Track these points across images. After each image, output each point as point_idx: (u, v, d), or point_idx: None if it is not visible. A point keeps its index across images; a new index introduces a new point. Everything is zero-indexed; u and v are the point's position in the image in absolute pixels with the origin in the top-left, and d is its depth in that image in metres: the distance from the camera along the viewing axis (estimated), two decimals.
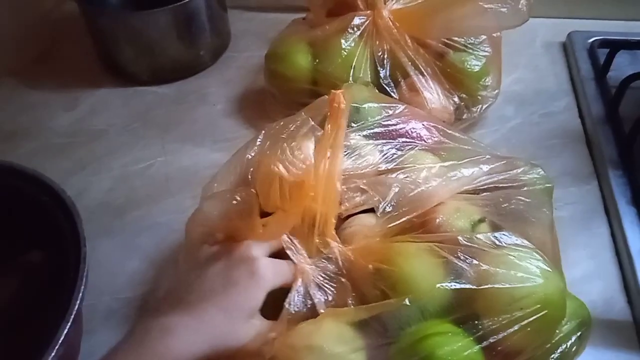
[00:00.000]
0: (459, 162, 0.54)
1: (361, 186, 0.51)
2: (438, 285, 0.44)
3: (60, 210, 0.55)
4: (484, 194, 0.52)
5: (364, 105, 0.59)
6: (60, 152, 0.78)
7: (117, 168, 0.75)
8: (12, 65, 0.89)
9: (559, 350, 0.45)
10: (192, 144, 0.77)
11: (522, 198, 0.52)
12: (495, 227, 0.49)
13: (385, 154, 0.52)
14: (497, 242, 0.46)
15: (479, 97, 0.73)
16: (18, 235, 0.58)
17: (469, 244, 0.45)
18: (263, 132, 0.60)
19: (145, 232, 0.67)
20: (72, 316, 0.45)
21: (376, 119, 0.56)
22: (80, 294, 0.47)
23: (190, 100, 0.84)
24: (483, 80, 0.73)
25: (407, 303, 0.43)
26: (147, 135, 0.79)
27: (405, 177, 0.51)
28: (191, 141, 0.78)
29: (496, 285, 0.43)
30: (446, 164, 0.52)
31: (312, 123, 0.58)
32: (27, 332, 0.55)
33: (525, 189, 0.53)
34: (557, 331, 0.46)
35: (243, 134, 0.77)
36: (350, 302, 0.45)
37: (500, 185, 0.53)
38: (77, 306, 0.46)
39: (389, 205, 0.49)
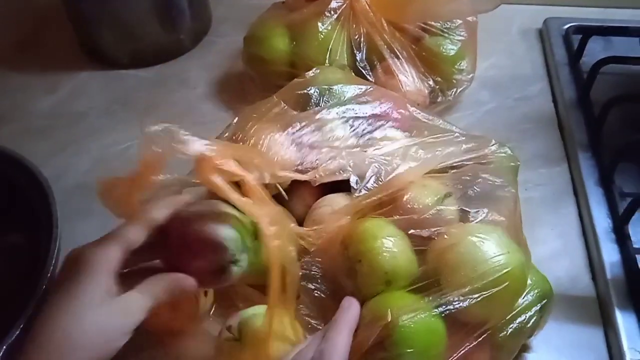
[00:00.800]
0: (430, 141, 0.55)
1: (340, 158, 0.51)
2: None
3: (36, 192, 0.56)
4: (452, 172, 0.54)
5: (335, 86, 0.60)
6: (40, 134, 0.78)
7: (96, 149, 0.76)
8: None
9: (517, 321, 0.46)
10: None
11: (489, 177, 0.53)
12: (462, 204, 0.50)
13: (355, 129, 0.53)
14: (462, 216, 0.47)
15: (454, 81, 0.74)
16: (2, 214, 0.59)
17: (435, 218, 0.46)
18: (236, 118, 0.61)
19: None
20: (39, 295, 0.46)
21: (347, 97, 0.57)
22: (49, 274, 0.47)
23: (170, 83, 0.84)
24: (458, 64, 0.74)
25: None
26: (127, 118, 0.80)
27: (382, 156, 0.52)
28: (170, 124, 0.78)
29: (458, 255, 0.44)
30: (416, 141, 0.53)
31: (284, 105, 0.60)
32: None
33: (492, 166, 0.54)
34: (517, 303, 0.47)
35: (222, 117, 0.78)
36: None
37: (468, 164, 0.54)
38: (45, 286, 0.46)
39: (365, 186, 0.50)
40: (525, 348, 0.53)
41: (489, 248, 0.45)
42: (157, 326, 0.52)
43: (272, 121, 0.58)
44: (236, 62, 0.85)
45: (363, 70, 0.72)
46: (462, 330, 0.45)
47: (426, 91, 0.72)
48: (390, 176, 0.48)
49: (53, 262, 0.47)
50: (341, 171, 0.50)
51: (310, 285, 0.48)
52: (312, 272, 0.49)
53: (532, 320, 0.49)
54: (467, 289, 0.44)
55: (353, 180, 0.49)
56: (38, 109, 0.82)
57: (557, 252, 0.62)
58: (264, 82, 0.77)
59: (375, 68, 0.73)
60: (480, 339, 0.46)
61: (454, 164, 0.53)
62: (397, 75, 0.71)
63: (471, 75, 0.75)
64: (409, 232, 0.46)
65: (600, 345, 0.55)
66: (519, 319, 0.48)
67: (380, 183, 0.48)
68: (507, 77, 0.82)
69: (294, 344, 0.45)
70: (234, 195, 0.42)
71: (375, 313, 0.44)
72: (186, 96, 0.82)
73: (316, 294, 0.48)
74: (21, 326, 0.43)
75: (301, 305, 0.49)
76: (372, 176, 0.48)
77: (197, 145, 0.42)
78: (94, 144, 0.76)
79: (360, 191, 0.48)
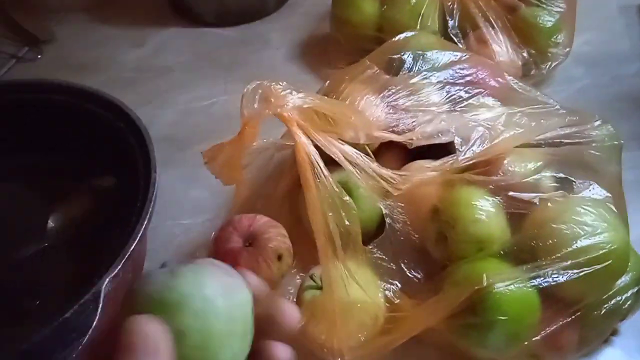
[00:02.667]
0: (530, 112, 0.53)
1: (440, 120, 0.50)
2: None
3: (133, 137, 0.57)
4: (553, 148, 0.52)
5: (428, 52, 0.58)
6: (128, 85, 0.81)
7: (181, 104, 0.77)
8: (85, 1, 0.92)
9: (612, 302, 0.45)
10: None
11: (592, 152, 0.51)
12: (566, 173, 0.49)
13: (451, 95, 0.52)
14: (566, 186, 0.45)
15: (549, 54, 0.71)
16: (93, 159, 0.61)
17: (536, 184, 0.45)
18: (328, 80, 0.60)
19: None
20: (140, 234, 0.47)
21: (441, 64, 0.56)
22: (148, 215, 0.49)
23: (254, 43, 0.85)
24: (554, 37, 0.71)
25: None
26: (211, 74, 0.81)
27: (485, 121, 0.50)
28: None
29: (562, 226, 0.42)
30: (516, 110, 0.51)
31: (376, 69, 0.59)
32: (96, 250, 0.58)
33: (594, 144, 0.52)
34: (616, 283, 0.46)
35: (304, 79, 0.78)
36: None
37: (568, 140, 0.52)
38: (144, 225, 0.48)
39: (471, 149, 0.48)
40: (614, 331, 0.51)
41: (595, 222, 0.43)
42: None
43: (365, 83, 0.57)
44: (321, 24, 0.84)
45: (454, 38, 0.70)
46: (557, 304, 0.44)
47: (519, 63, 0.70)
48: (497, 140, 0.46)
49: (152, 204, 0.49)
50: (440, 134, 0.49)
51: (394, 225, 0.48)
52: (395, 215, 0.48)
53: (628, 303, 0.47)
54: (567, 263, 0.43)
55: (457, 141, 0.48)
56: (125, 61, 0.84)
57: None
58: (350, 45, 0.76)
59: (468, 36, 0.70)
60: (573, 317, 0.45)
61: (553, 142, 0.52)
62: (491, 45, 0.69)
63: (567, 49, 0.72)
64: (509, 193, 0.45)
65: None
66: (615, 300, 0.46)
67: (486, 146, 0.46)
68: (604, 54, 0.78)
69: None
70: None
71: (468, 276, 0.43)
72: (269, 57, 0.83)
73: (398, 234, 0.48)
74: (122, 263, 0.45)
75: (372, 247, 0.48)
76: (477, 139, 0.47)
77: (295, 100, 0.42)
78: (179, 97, 0.78)
79: (465, 153, 0.47)
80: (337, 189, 0.42)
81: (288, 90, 0.40)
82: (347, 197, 0.43)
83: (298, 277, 0.55)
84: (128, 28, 0.89)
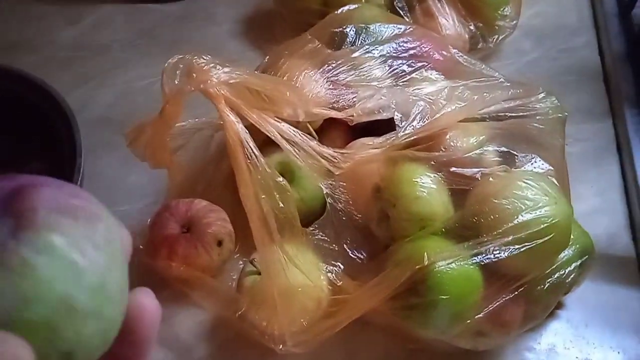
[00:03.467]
0: (474, 85, 0.52)
1: (380, 95, 0.48)
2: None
3: (60, 120, 0.54)
4: (496, 121, 0.51)
5: (372, 25, 0.56)
6: (64, 65, 0.76)
7: (119, 84, 0.73)
8: None
9: (556, 276, 0.44)
10: None
11: (535, 125, 0.50)
12: (509, 147, 0.48)
13: (394, 69, 0.50)
14: (508, 160, 0.44)
15: (496, 27, 0.70)
16: (21, 145, 0.57)
17: (478, 158, 0.43)
18: (267, 56, 0.58)
19: None
20: None
21: (385, 37, 0.54)
22: None
23: (197, 19, 0.81)
24: (502, 9, 0.70)
25: None
26: (151, 52, 0.77)
27: (426, 96, 0.48)
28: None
29: (503, 201, 0.41)
30: (459, 83, 0.50)
31: (318, 43, 0.56)
32: None
33: (538, 117, 0.51)
34: (559, 256, 0.45)
35: (249, 56, 0.75)
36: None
37: (512, 113, 0.51)
38: None
39: (411, 125, 0.47)
40: (559, 305, 0.52)
41: (536, 196, 0.42)
42: (173, 279, 0.51)
43: (306, 58, 0.55)
44: None
45: (401, 11, 0.68)
46: (500, 281, 0.43)
47: (466, 36, 0.68)
48: (437, 115, 0.45)
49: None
50: (381, 110, 0.47)
51: (336, 205, 0.47)
52: (336, 195, 0.47)
53: (571, 276, 0.47)
54: (509, 239, 0.42)
55: (397, 117, 0.46)
56: (61, 40, 0.79)
57: (596, 209, 0.59)
58: (294, 20, 0.73)
59: (414, 9, 0.69)
60: (516, 292, 0.44)
61: (497, 115, 0.51)
62: (437, 18, 0.67)
63: (514, 22, 0.71)
64: (451, 169, 0.44)
65: (636, 307, 0.53)
66: (558, 274, 0.46)
67: (427, 122, 0.45)
68: (552, 26, 0.77)
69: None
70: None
71: (410, 256, 0.42)
72: (212, 33, 0.79)
73: (340, 214, 0.46)
74: None
75: (314, 229, 0.47)
76: (417, 114, 0.45)
77: (221, 74, 0.39)
78: (118, 77, 0.74)
79: (405, 129, 0.45)
80: (269, 170, 0.40)
81: (212, 64, 0.37)
82: (281, 179, 0.41)
83: (241, 262, 0.53)
84: (63, 5, 0.84)
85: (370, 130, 0.52)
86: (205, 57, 0.38)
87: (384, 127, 0.51)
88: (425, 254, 0.41)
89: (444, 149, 0.46)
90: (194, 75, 0.37)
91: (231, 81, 0.38)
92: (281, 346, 0.45)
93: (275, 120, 0.44)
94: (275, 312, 0.44)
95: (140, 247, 0.54)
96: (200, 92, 0.38)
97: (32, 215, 0.19)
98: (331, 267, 0.47)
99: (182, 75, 0.37)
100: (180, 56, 0.39)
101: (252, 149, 0.39)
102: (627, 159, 0.62)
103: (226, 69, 0.38)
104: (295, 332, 0.45)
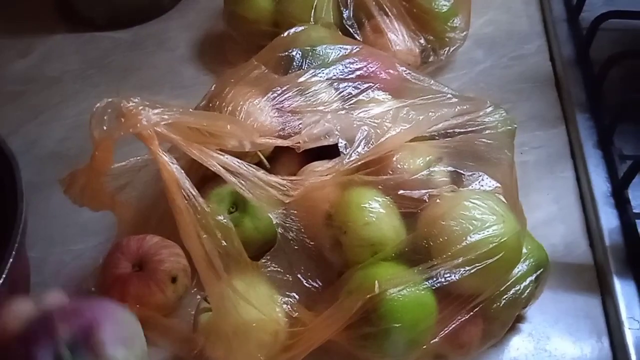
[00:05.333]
0: (421, 103, 0.52)
1: (325, 121, 0.48)
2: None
3: (1, 162, 0.52)
4: (445, 139, 0.51)
5: (318, 47, 0.56)
6: (13, 100, 0.75)
7: (71, 117, 0.72)
8: None
9: (511, 292, 0.44)
10: (150, 92, 0.74)
11: (484, 140, 0.50)
12: (456, 166, 0.48)
13: (340, 92, 0.50)
14: (456, 180, 0.44)
15: (447, 39, 0.70)
16: None
17: (426, 180, 0.43)
18: (214, 85, 0.57)
19: None
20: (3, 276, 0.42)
21: (332, 59, 0.54)
22: (13, 252, 0.44)
23: (148, 45, 0.80)
24: (451, 21, 0.70)
25: None
26: (103, 82, 0.76)
27: (371, 119, 0.48)
28: (149, 89, 0.74)
29: (451, 223, 0.41)
30: (405, 103, 0.50)
31: (264, 68, 0.56)
32: None
33: (487, 132, 0.51)
34: (512, 273, 0.45)
35: (202, 80, 0.74)
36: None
37: (462, 129, 0.51)
38: (8, 264, 0.42)
39: (355, 151, 0.46)
40: (519, 318, 0.51)
41: (484, 216, 0.42)
42: None
43: (252, 85, 0.54)
44: (218, 21, 0.80)
45: (350, 29, 0.68)
46: (454, 303, 0.43)
47: (417, 50, 0.69)
48: (382, 139, 0.45)
49: (18, 238, 0.44)
50: (327, 135, 0.46)
51: (287, 234, 0.46)
52: (287, 224, 0.46)
53: (527, 291, 0.46)
54: (459, 261, 0.41)
55: (341, 144, 0.45)
56: (9, 74, 0.78)
57: (553, 217, 0.59)
58: (247, 43, 0.72)
59: (364, 26, 0.69)
60: (472, 312, 0.44)
61: (447, 132, 0.51)
62: (387, 34, 0.67)
63: (465, 32, 0.71)
64: (399, 192, 0.44)
65: (597, 314, 0.53)
66: (513, 290, 0.46)
67: (371, 147, 0.45)
68: (503, 34, 0.78)
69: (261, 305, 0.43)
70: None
71: (362, 284, 0.41)
72: (165, 59, 0.78)
73: (292, 243, 0.46)
74: None
75: (266, 260, 0.46)
76: (361, 139, 0.45)
77: (150, 116, 0.38)
78: (68, 110, 0.73)
79: (350, 156, 0.45)
80: (208, 209, 0.39)
81: (141, 107, 0.36)
82: (222, 217, 0.41)
83: (198, 297, 0.52)
84: (11, 37, 0.82)
85: (324, 154, 0.52)
86: (134, 100, 0.37)
87: (337, 150, 0.50)
88: (376, 282, 0.40)
89: (391, 172, 0.45)
90: (123, 119, 0.36)
91: (162, 122, 0.37)
92: None
93: (218, 153, 0.43)
94: (231, 349, 0.43)
95: (92, 289, 0.52)
96: (132, 134, 0.37)
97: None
98: (286, 298, 0.46)
99: (110, 119, 0.36)
100: (109, 100, 0.38)
101: (189, 190, 0.38)
102: (580, 164, 0.63)
103: (156, 110, 0.37)
104: None
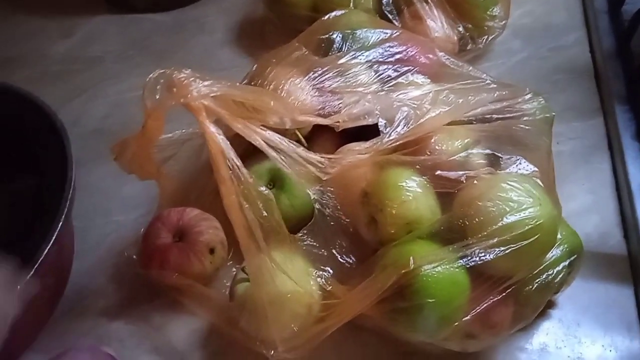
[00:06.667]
0: (460, 87, 0.52)
1: (365, 101, 0.49)
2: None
3: (52, 134, 0.55)
4: (483, 124, 0.51)
5: (358, 30, 0.57)
6: (56, 79, 0.77)
7: (112, 95, 0.74)
8: None
9: (544, 276, 0.45)
10: None
11: (522, 126, 0.50)
12: (493, 149, 0.48)
13: (380, 74, 0.51)
14: (493, 162, 0.45)
15: (485, 28, 0.70)
16: (12, 159, 0.58)
17: (464, 161, 0.44)
18: (255, 65, 0.58)
19: None
20: (52, 239, 0.44)
21: (371, 42, 0.54)
22: (62, 218, 0.45)
23: (188, 28, 0.82)
24: (490, 10, 0.70)
25: None
26: (144, 63, 0.78)
27: (411, 100, 0.49)
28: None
29: (487, 204, 0.42)
30: (445, 87, 0.50)
31: (305, 50, 0.57)
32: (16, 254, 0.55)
33: (525, 118, 0.51)
34: (545, 257, 0.45)
35: (241, 63, 0.75)
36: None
37: (500, 115, 0.51)
38: (57, 230, 0.44)
39: (395, 131, 0.47)
40: (550, 304, 0.52)
41: (520, 198, 0.43)
42: (166, 288, 0.51)
43: (292, 66, 0.56)
44: (256, 6, 0.82)
45: (389, 15, 0.69)
46: (487, 282, 0.43)
47: (455, 38, 0.69)
48: (422, 120, 0.45)
49: (67, 204, 0.46)
50: (367, 115, 0.47)
51: (324, 211, 0.47)
52: (324, 200, 0.47)
53: (560, 276, 0.47)
54: (494, 241, 0.42)
55: (381, 123, 0.46)
56: (53, 53, 0.80)
57: (587, 208, 0.59)
58: (285, 26, 0.74)
59: (402, 13, 0.69)
60: (504, 294, 0.44)
61: (484, 117, 0.51)
62: (425, 21, 0.67)
63: (504, 22, 0.71)
64: (437, 173, 0.44)
65: (629, 305, 0.53)
66: (546, 274, 0.46)
67: (411, 127, 0.45)
68: (542, 25, 0.77)
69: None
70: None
71: (397, 260, 0.42)
72: (204, 42, 0.80)
73: (328, 219, 0.46)
74: (34, 269, 0.43)
75: (303, 235, 0.47)
76: (401, 119, 0.46)
77: (201, 88, 0.39)
78: (110, 89, 0.75)
79: (389, 135, 0.45)
80: (251, 180, 0.40)
81: (192, 78, 0.38)
82: (264, 188, 0.42)
83: (234, 270, 0.53)
84: (54, 18, 0.85)
85: (360, 135, 0.53)
86: (185, 71, 0.39)
87: (374, 131, 0.51)
88: (411, 258, 0.41)
89: (429, 153, 0.46)
90: (174, 89, 0.37)
91: (212, 94, 0.38)
92: (273, 352, 0.45)
93: (261, 129, 0.44)
94: (266, 318, 0.45)
95: (134, 257, 0.54)
96: (183, 106, 0.39)
97: None
98: (321, 272, 0.47)
99: (162, 90, 0.38)
100: (161, 71, 0.39)
101: (234, 160, 0.40)
102: (618, 156, 0.62)
103: (206, 82, 0.38)
104: (287, 338, 0.45)
